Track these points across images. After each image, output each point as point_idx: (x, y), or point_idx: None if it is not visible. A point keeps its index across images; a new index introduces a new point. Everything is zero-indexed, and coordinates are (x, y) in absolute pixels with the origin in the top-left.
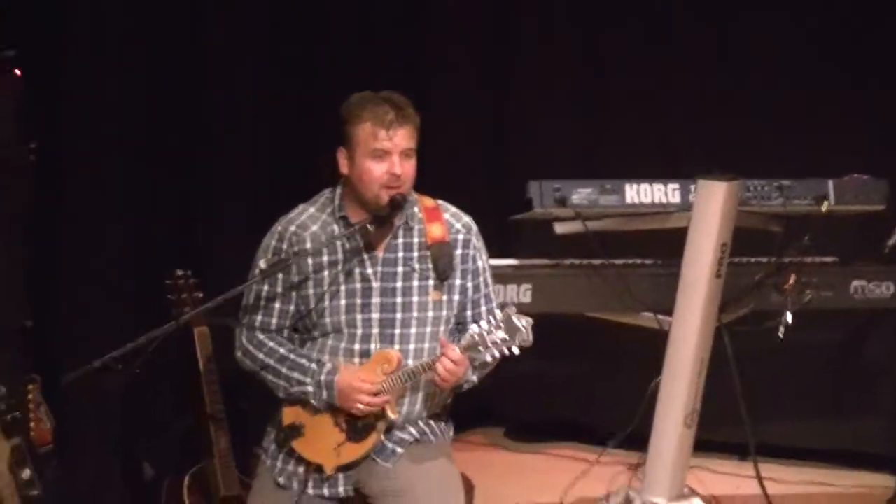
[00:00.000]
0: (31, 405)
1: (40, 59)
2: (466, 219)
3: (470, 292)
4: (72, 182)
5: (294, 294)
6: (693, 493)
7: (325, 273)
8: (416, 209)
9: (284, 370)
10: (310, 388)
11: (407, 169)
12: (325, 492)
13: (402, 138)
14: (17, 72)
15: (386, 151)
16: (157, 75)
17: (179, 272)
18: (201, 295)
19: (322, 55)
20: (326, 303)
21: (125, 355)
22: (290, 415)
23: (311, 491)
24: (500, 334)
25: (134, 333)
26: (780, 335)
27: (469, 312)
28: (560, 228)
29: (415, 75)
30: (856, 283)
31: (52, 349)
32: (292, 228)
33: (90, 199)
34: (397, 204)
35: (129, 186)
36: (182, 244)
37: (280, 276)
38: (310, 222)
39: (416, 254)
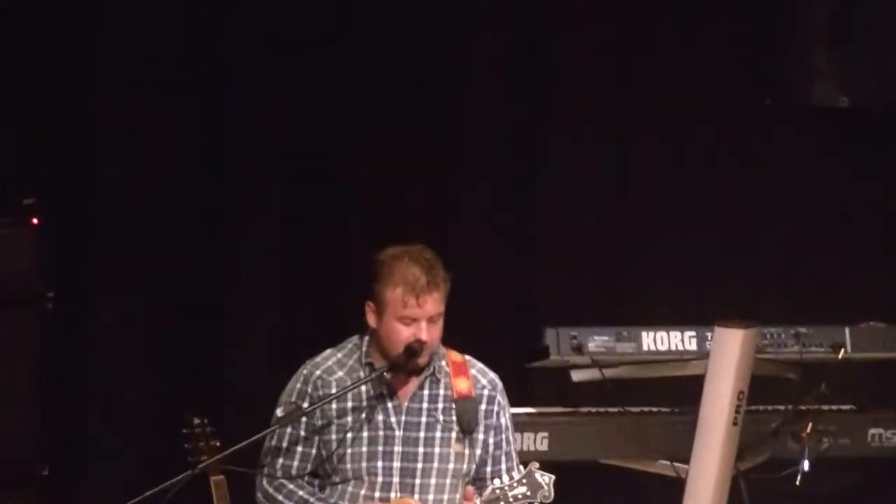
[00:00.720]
0: None
1: (64, 205)
2: (492, 375)
3: (491, 448)
4: (91, 330)
5: (316, 438)
6: None
7: (349, 419)
8: (443, 363)
9: None
10: None
11: (433, 333)
12: None
13: (431, 305)
14: (35, 221)
15: (414, 319)
16: (174, 226)
17: (196, 420)
18: (218, 443)
19: (343, 201)
20: (348, 449)
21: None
22: None
23: None
24: (522, 490)
25: (151, 482)
26: (798, 483)
27: (489, 468)
28: (577, 376)
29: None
30: (873, 430)
31: (70, 498)
32: (318, 372)
33: (109, 348)
34: (413, 351)
35: (148, 334)
36: (200, 392)
37: (303, 420)
38: (336, 367)
39: (440, 405)
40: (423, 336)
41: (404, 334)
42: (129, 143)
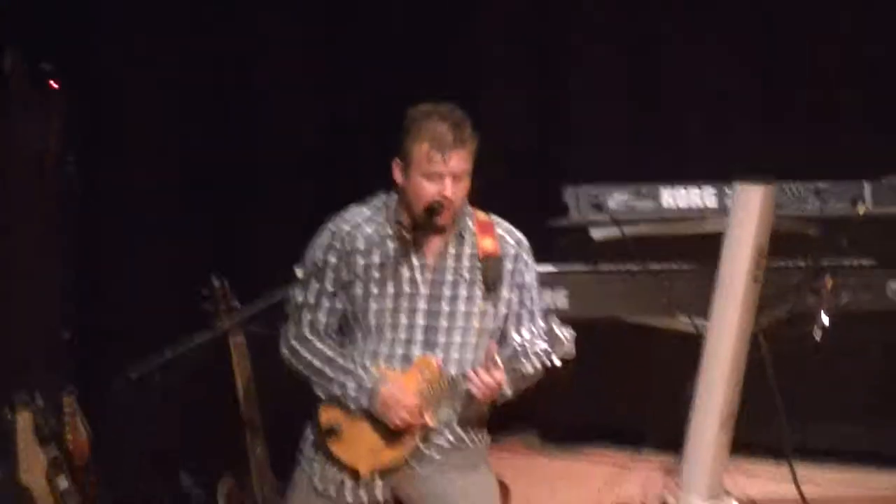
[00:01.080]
0: (68, 417)
1: (77, 71)
2: (519, 235)
3: (515, 306)
4: (112, 195)
5: (342, 293)
6: (729, 495)
7: (375, 275)
8: (469, 222)
9: (329, 371)
10: (351, 392)
11: (458, 192)
12: (364, 497)
13: (457, 162)
14: (54, 84)
15: (439, 175)
16: (194, 79)
17: (216, 282)
18: (237, 304)
19: (374, 61)
20: (373, 305)
21: (162, 366)
22: (327, 416)
23: (348, 496)
24: (542, 345)
25: (171, 344)
26: (817, 338)
27: (512, 326)
28: (597, 234)
29: (465, 78)
30: (893, 284)
31: (90, 361)
32: (346, 228)
33: (129, 212)
34: (434, 210)
35: (167, 197)
36: (218, 253)
37: (330, 275)
38: (364, 224)
39: (466, 264)
40: (448, 192)
41: (429, 191)
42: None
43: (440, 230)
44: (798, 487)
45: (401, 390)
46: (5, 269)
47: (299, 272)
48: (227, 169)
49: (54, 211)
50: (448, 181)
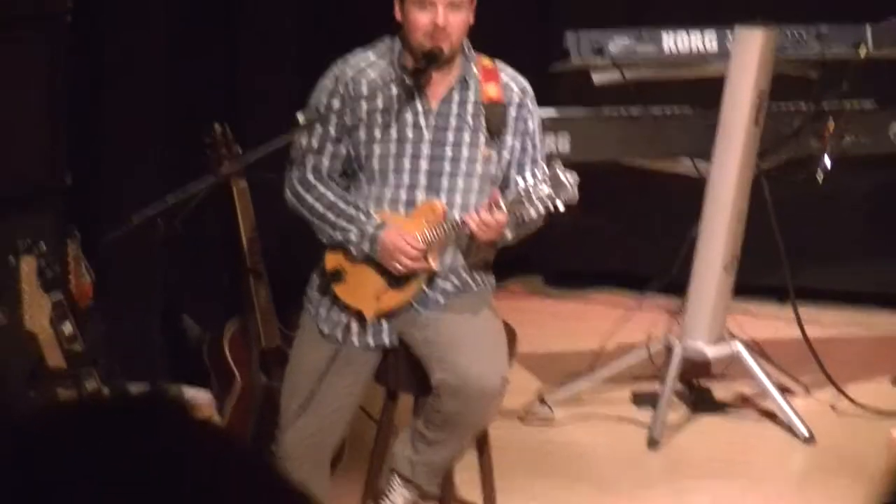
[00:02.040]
0: (71, 261)
1: None
2: (523, 82)
3: (518, 153)
4: (109, 37)
5: (346, 137)
6: (733, 337)
7: (378, 119)
8: (473, 68)
9: (331, 216)
10: (353, 238)
11: (453, 21)
12: (370, 341)
13: None
14: None
15: (430, 2)
16: None
17: (217, 127)
18: (239, 148)
19: None
20: (376, 149)
21: (164, 211)
22: (332, 260)
23: (355, 340)
24: (546, 189)
25: (174, 189)
26: (820, 181)
27: (514, 172)
28: (598, 78)
29: None
30: (895, 126)
31: (92, 206)
32: (350, 73)
33: (126, 54)
34: (433, 57)
35: (166, 39)
36: (220, 99)
37: (334, 119)
38: (367, 68)
39: (470, 110)
40: (439, 20)
41: (421, 20)
42: None
43: (440, 64)
44: (802, 328)
45: (402, 236)
46: (5, 121)
47: (301, 117)
48: (228, 14)
49: (49, 59)
50: (440, 9)
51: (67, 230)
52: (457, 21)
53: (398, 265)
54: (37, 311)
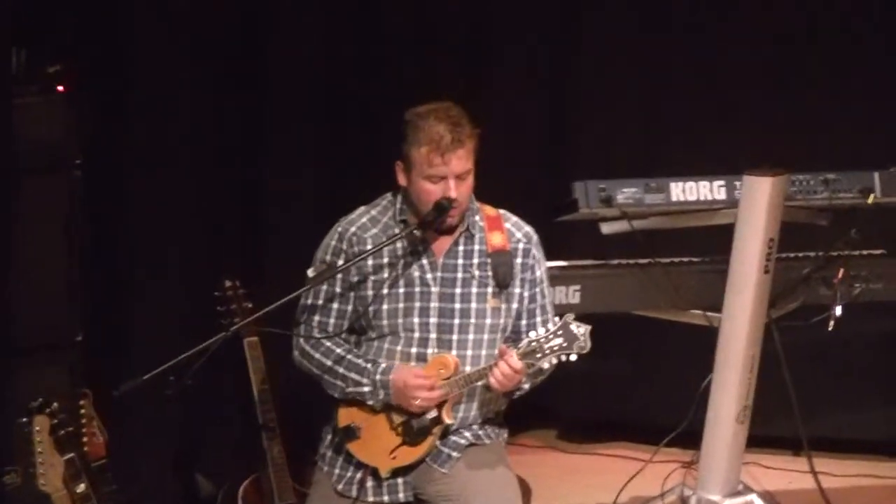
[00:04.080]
0: (83, 419)
1: (85, 75)
2: (527, 229)
3: (527, 301)
4: (120, 199)
5: (352, 295)
6: (748, 489)
7: (385, 275)
8: (477, 217)
9: (341, 370)
10: (366, 389)
11: (462, 191)
12: (385, 498)
13: (457, 162)
14: (60, 88)
15: (441, 177)
16: (214, 86)
17: (228, 283)
18: (250, 305)
19: (380, 59)
20: (384, 305)
21: (176, 367)
22: (345, 416)
23: (370, 496)
24: (559, 341)
25: (185, 346)
26: (830, 329)
27: (524, 322)
28: (606, 229)
29: (472, 73)
30: None
31: (103, 363)
32: (352, 229)
33: (139, 215)
34: (442, 209)
35: (178, 200)
36: (231, 255)
37: (339, 277)
38: (370, 224)
39: (476, 261)
40: (452, 194)
41: (433, 193)
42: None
43: (449, 230)
44: (816, 479)
45: (410, 375)
46: (15, 271)
47: (311, 273)
48: (237, 172)
49: (63, 213)
50: (451, 182)
51: (80, 388)
52: (466, 188)
53: (416, 402)
54: (50, 472)
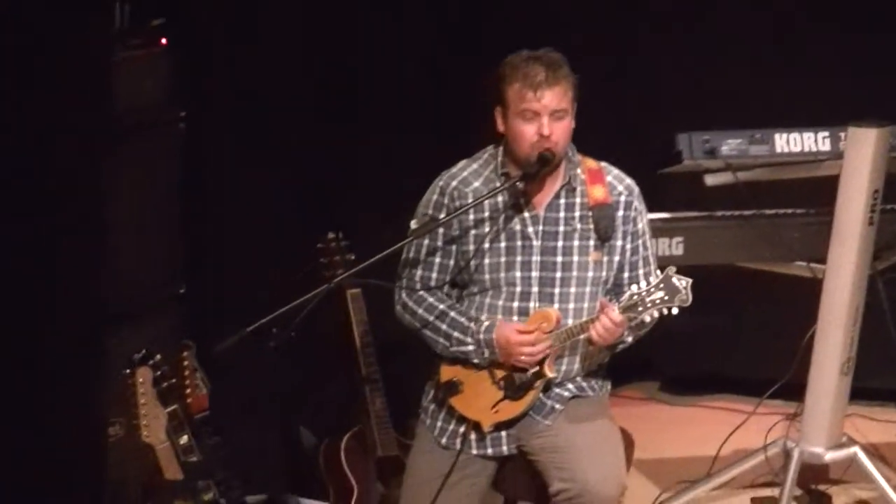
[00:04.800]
0: (186, 372)
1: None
2: (629, 181)
3: (629, 254)
4: (223, 148)
5: (454, 248)
6: (851, 441)
7: (486, 229)
8: (578, 171)
9: (444, 327)
10: (471, 347)
11: (557, 130)
12: (489, 451)
13: (551, 99)
14: (164, 41)
15: (535, 112)
16: (314, 41)
17: (331, 235)
18: (353, 257)
19: (472, 11)
20: (486, 259)
21: (279, 319)
22: (448, 372)
23: (473, 449)
24: (660, 294)
25: (287, 298)
26: None
27: (626, 274)
28: (711, 180)
29: (560, 27)
30: None
31: (206, 315)
32: (454, 183)
33: (240, 165)
34: (545, 160)
35: (278, 150)
36: (332, 206)
37: (440, 230)
38: (472, 178)
39: (577, 214)
40: (545, 130)
41: (527, 131)
42: None
43: (550, 172)
44: None
45: (513, 332)
46: (118, 225)
47: (414, 225)
48: (339, 122)
49: (165, 166)
50: (545, 119)
51: (182, 341)
52: (561, 129)
53: (523, 358)
54: (153, 423)
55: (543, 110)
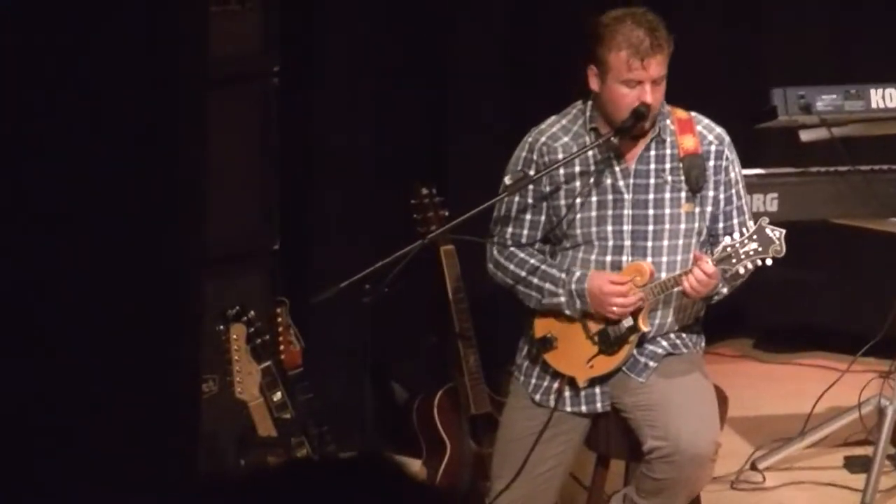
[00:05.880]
0: (280, 328)
1: None
2: (719, 130)
3: (722, 204)
4: (316, 104)
5: (545, 205)
6: None
7: (577, 184)
8: (668, 122)
9: (536, 281)
10: (563, 299)
11: (657, 96)
12: (583, 407)
13: (655, 67)
14: None
15: (639, 81)
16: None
17: (424, 190)
18: (446, 213)
19: None
20: (577, 214)
21: (372, 275)
22: (541, 327)
23: (567, 406)
24: (753, 246)
25: (380, 253)
26: None
27: (721, 224)
28: (805, 136)
29: None
30: None
31: (300, 271)
32: (543, 139)
33: (333, 121)
34: (640, 115)
35: (371, 107)
36: (426, 162)
37: (531, 187)
38: (561, 133)
39: (668, 165)
40: (648, 98)
41: (629, 98)
42: None
43: (643, 134)
44: None
45: (605, 281)
46: (211, 180)
47: (508, 180)
48: (431, 79)
49: (259, 122)
50: (648, 87)
51: (276, 297)
52: (659, 94)
53: (615, 309)
54: (247, 380)
55: (647, 78)
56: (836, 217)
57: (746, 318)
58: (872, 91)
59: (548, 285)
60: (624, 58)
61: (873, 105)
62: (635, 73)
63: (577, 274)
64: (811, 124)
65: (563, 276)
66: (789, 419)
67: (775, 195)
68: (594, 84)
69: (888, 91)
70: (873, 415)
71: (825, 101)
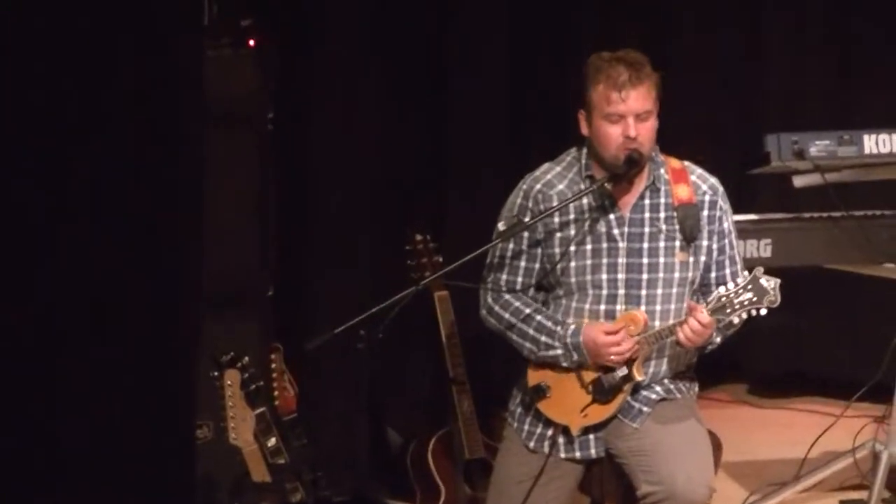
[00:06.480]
0: (274, 373)
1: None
2: (713, 180)
3: (715, 254)
4: (306, 151)
5: (539, 251)
6: None
7: (571, 231)
8: (662, 171)
9: (531, 331)
10: (559, 352)
11: (643, 131)
12: (577, 454)
13: (635, 100)
14: (252, 42)
15: (620, 115)
16: (398, 47)
17: (419, 236)
18: (440, 258)
19: (561, 15)
20: (571, 261)
21: (367, 321)
22: (535, 376)
23: (562, 453)
24: (748, 296)
25: (374, 300)
26: None
27: (713, 274)
28: (799, 182)
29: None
30: None
31: (294, 317)
32: (538, 186)
33: (327, 168)
34: (633, 161)
35: (367, 152)
36: (419, 208)
37: (525, 234)
38: (556, 180)
39: (662, 214)
40: (631, 132)
41: (613, 133)
42: None
43: (637, 173)
44: None
45: (599, 333)
46: (206, 225)
47: (501, 226)
48: (426, 126)
49: (253, 166)
50: (630, 120)
51: (270, 343)
52: (646, 129)
53: (612, 358)
54: (241, 426)
55: (628, 112)
56: (829, 262)
57: (741, 363)
58: (866, 137)
59: (543, 338)
60: (602, 91)
61: (867, 150)
62: (614, 107)
63: (572, 327)
64: (805, 170)
65: (559, 328)
66: (784, 464)
67: (769, 241)
68: (584, 128)
69: (881, 137)
70: (868, 459)
71: (819, 146)
